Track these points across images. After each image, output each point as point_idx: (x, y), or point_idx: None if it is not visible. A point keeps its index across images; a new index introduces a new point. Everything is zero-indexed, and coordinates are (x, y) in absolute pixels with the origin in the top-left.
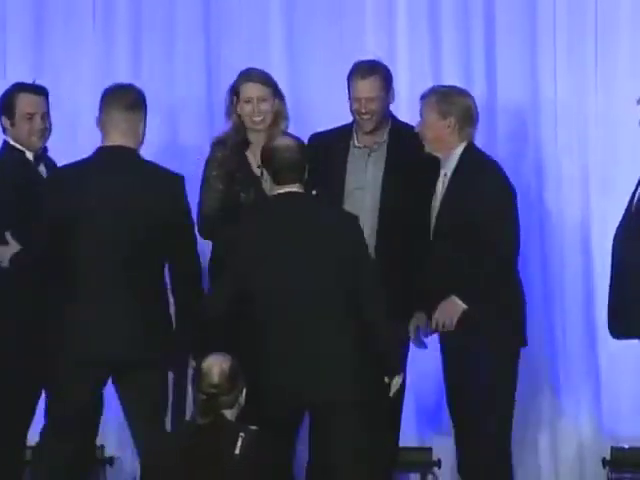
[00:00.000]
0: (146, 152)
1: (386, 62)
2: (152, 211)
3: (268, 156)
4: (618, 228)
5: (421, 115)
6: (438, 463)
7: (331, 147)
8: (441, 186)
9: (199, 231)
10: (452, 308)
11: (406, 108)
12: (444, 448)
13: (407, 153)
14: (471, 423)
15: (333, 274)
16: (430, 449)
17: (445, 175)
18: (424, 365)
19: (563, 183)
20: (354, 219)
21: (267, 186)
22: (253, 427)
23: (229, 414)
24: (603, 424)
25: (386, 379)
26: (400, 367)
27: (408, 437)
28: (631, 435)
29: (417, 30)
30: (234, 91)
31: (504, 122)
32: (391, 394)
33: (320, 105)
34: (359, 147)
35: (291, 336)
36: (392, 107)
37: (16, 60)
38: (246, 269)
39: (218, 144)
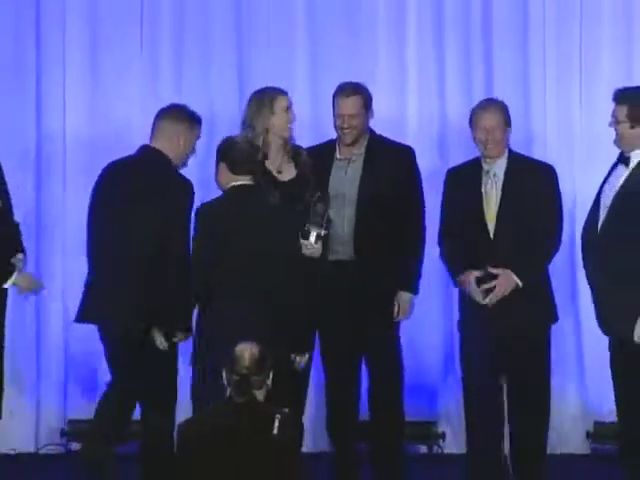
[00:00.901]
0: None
1: (396, 79)
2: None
3: (227, 149)
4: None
5: None
6: (443, 436)
7: (319, 159)
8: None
9: None
10: (508, 281)
11: (414, 121)
12: (448, 422)
13: (380, 161)
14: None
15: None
16: (436, 423)
17: (495, 175)
18: (431, 345)
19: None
20: (291, 210)
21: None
22: (285, 409)
23: (259, 394)
24: (587, 401)
25: (294, 356)
26: (308, 346)
27: (416, 412)
28: (612, 411)
29: (423, 54)
30: (270, 104)
31: None
32: (298, 368)
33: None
34: (340, 159)
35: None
36: (401, 116)
37: (75, 83)
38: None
39: None
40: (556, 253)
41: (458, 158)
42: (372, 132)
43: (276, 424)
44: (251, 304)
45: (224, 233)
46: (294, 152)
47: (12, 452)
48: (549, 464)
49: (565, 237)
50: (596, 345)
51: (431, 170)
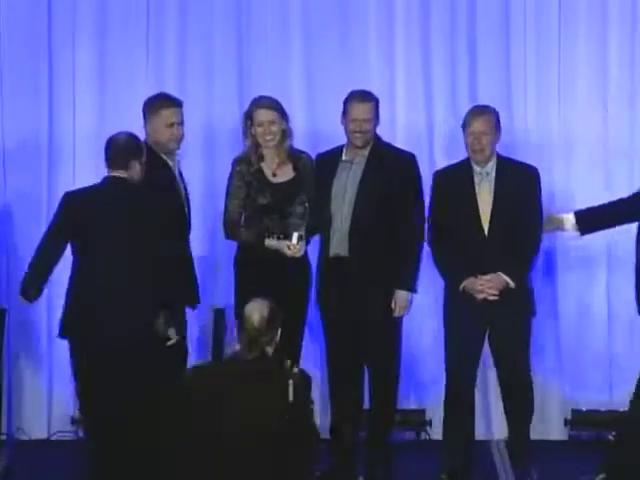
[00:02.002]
0: (188, 156)
1: (386, 92)
2: None
3: (107, 146)
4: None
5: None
6: (430, 423)
7: (327, 162)
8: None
9: (225, 233)
10: (500, 282)
11: (403, 130)
12: (435, 410)
13: (382, 164)
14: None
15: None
16: (423, 410)
17: (487, 174)
18: (420, 338)
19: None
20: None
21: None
22: (295, 370)
23: (268, 349)
24: (565, 390)
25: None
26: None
27: (404, 400)
28: (589, 399)
29: (412, 66)
30: (248, 116)
31: None
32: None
33: (331, 126)
34: (345, 161)
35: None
36: (390, 126)
37: (84, 86)
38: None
39: (238, 161)
40: (539, 251)
41: (444, 164)
42: (378, 137)
43: (291, 390)
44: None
45: (88, 218)
46: (295, 156)
47: (25, 437)
48: (531, 449)
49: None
50: (572, 337)
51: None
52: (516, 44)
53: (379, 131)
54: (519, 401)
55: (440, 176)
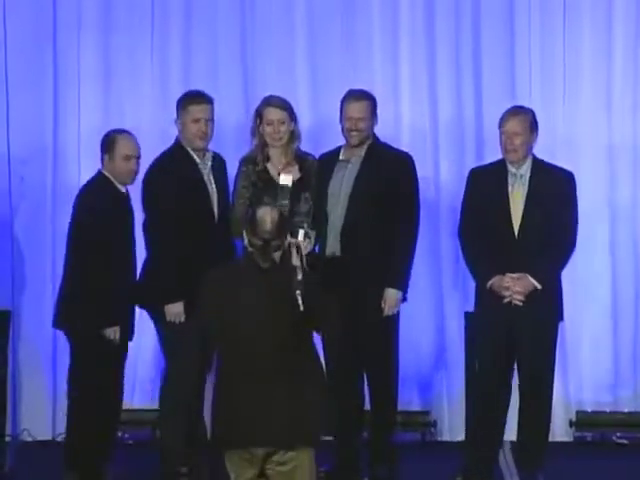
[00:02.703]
0: None
1: (390, 91)
2: None
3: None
4: None
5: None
6: (434, 424)
7: (326, 162)
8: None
9: (232, 231)
10: (527, 284)
11: (407, 129)
12: (440, 411)
13: (378, 164)
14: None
15: None
16: (428, 412)
17: (521, 177)
18: (423, 338)
19: None
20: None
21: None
22: (299, 277)
23: (276, 256)
24: (570, 392)
25: None
26: None
27: (409, 402)
28: (593, 401)
29: (416, 65)
30: (258, 114)
31: (490, 137)
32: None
33: (335, 125)
34: (342, 160)
35: None
36: (394, 125)
37: (89, 84)
38: None
39: (245, 160)
40: (572, 254)
41: (450, 164)
42: (375, 138)
43: (300, 301)
44: None
45: None
46: (301, 158)
47: (29, 439)
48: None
49: None
50: (577, 339)
51: (421, 175)
52: (521, 42)
53: (384, 130)
54: (537, 411)
55: (475, 174)
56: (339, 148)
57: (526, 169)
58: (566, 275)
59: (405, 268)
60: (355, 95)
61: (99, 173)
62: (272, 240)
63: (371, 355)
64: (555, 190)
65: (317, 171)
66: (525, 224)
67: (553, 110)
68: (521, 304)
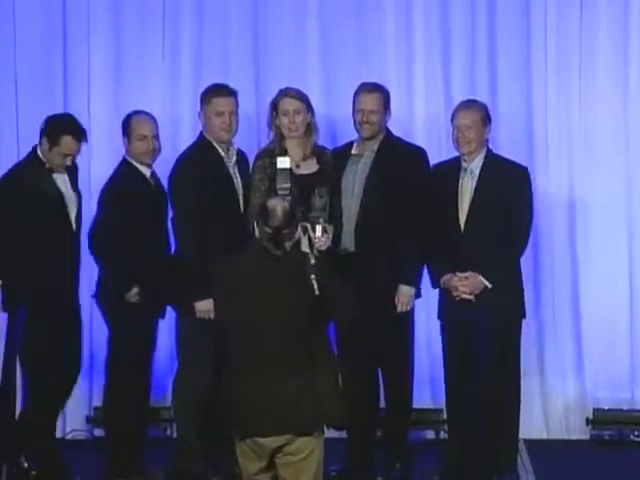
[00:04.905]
0: None
1: (404, 84)
2: None
3: None
4: None
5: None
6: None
7: (338, 157)
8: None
9: (250, 226)
10: (476, 283)
11: (421, 122)
12: None
13: (391, 159)
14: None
15: None
16: (442, 410)
17: (471, 172)
18: (436, 335)
19: (551, 169)
20: None
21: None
22: (312, 261)
23: (288, 245)
24: (586, 389)
25: None
26: None
27: (423, 400)
28: (610, 399)
29: (431, 59)
30: (274, 105)
31: (505, 132)
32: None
33: (348, 119)
34: (354, 154)
35: None
36: (408, 120)
37: (99, 88)
38: None
39: (262, 153)
40: (523, 251)
41: None
42: (388, 132)
43: (315, 285)
44: None
45: None
46: (319, 151)
47: None
48: (552, 449)
49: (566, 229)
50: (594, 336)
51: None
52: (537, 37)
53: (397, 124)
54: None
55: (434, 170)
56: (351, 143)
57: (477, 164)
58: (582, 272)
59: (418, 264)
60: (367, 87)
61: (122, 159)
62: (283, 229)
63: (385, 352)
64: (506, 186)
65: (335, 166)
66: (471, 219)
67: (569, 105)
68: (471, 298)
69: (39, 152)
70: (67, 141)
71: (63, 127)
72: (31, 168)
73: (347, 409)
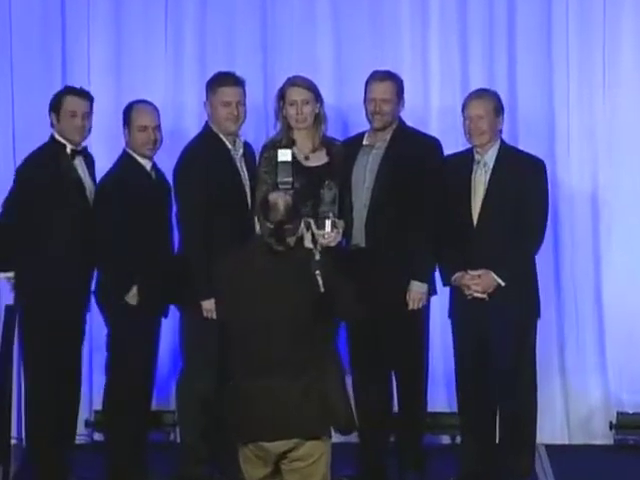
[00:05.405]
0: None
1: (420, 74)
2: None
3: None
4: None
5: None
6: None
7: (349, 148)
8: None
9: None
10: (489, 281)
11: (437, 112)
12: None
13: (403, 151)
14: (496, 390)
15: None
16: (457, 414)
17: (485, 165)
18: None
19: (572, 167)
20: None
21: None
22: (316, 257)
23: (291, 241)
24: (610, 392)
25: None
26: None
27: (438, 403)
28: (634, 402)
29: (447, 46)
30: (281, 94)
31: (524, 122)
32: None
33: (359, 110)
34: (366, 145)
35: None
36: (423, 110)
37: (99, 80)
38: None
39: (268, 145)
40: (538, 248)
41: None
42: (402, 122)
43: (320, 282)
44: None
45: None
46: (328, 142)
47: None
48: (574, 455)
49: (590, 225)
50: (618, 339)
51: None
52: (559, 24)
53: (412, 114)
54: (511, 415)
55: (446, 163)
56: (362, 133)
57: (491, 156)
58: (604, 270)
59: (431, 260)
60: (379, 75)
61: (123, 151)
62: (285, 224)
63: (398, 353)
64: (522, 179)
65: (345, 157)
66: (484, 214)
67: (592, 97)
68: (484, 297)
69: (55, 136)
70: (69, 99)
71: (62, 91)
72: (51, 151)
73: (352, 412)
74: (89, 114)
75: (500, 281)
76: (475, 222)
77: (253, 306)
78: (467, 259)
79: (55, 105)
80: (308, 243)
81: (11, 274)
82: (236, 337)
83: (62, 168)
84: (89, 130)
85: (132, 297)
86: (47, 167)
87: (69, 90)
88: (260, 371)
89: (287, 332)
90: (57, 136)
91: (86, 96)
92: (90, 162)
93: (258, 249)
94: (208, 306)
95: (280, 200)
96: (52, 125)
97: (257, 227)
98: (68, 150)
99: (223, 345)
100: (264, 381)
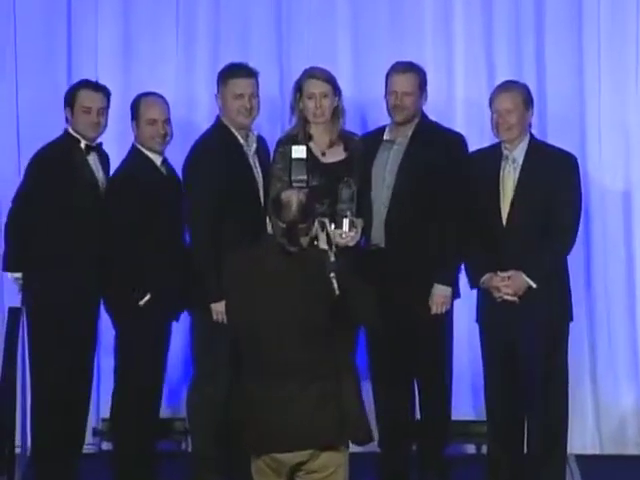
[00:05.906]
0: None
1: (444, 66)
2: None
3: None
4: None
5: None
6: None
7: (369, 143)
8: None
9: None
10: (520, 283)
11: (462, 105)
12: None
13: (425, 147)
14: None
15: None
16: (484, 422)
17: (514, 161)
18: (476, 344)
19: (604, 163)
20: None
21: None
22: (331, 259)
23: (304, 242)
24: None
25: None
26: None
27: (464, 411)
28: None
29: (472, 37)
30: (298, 87)
31: (553, 116)
32: None
33: (379, 104)
34: (387, 140)
35: None
36: (447, 103)
37: (107, 67)
38: None
39: (281, 142)
40: (571, 249)
41: None
42: (424, 116)
43: (335, 285)
44: None
45: None
46: (346, 137)
47: None
48: (606, 465)
49: (621, 225)
50: None
51: None
52: (589, 12)
53: (436, 108)
54: (545, 425)
55: (472, 158)
56: (383, 128)
57: (520, 151)
58: (638, 270)
59: (455, 261)
60: (401, 67)
61: (132, 146)
62: (298, 224)
63: (421, 358)
64: (553, 175)
65: (364, 153)
66: (514, 212)
67: (624, 89)
68: (514, 300)
69: (70, 130)
70: (83, 94)
71: (76, 85)
72: (65, 146)
73: (368, 422)
74: (104, 109)
75: (531, 282)
76: (504, 221)
77: (264, 309)
78: (497, 261)
79: (69, 100)
80: (323, 244)
81: (19, 274)
82: (246, 342)
83: (75, 164)
84: (105, 126)
85: (145, 303)
86: (60, 162)
87: (84, 84)
88: (271, 376)
89: (300, 336)
90: (71, 131)
91: (102, 90)
92: (105, 159)
93: (270, 249)
94: (218, 308)
95: (293, 198)
96: (67, 120)
97: (269, 226)
98: (82, 146)
99: (234, 349)
100: (276, 387)
